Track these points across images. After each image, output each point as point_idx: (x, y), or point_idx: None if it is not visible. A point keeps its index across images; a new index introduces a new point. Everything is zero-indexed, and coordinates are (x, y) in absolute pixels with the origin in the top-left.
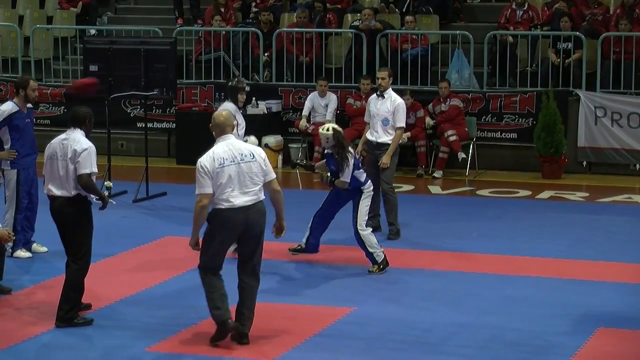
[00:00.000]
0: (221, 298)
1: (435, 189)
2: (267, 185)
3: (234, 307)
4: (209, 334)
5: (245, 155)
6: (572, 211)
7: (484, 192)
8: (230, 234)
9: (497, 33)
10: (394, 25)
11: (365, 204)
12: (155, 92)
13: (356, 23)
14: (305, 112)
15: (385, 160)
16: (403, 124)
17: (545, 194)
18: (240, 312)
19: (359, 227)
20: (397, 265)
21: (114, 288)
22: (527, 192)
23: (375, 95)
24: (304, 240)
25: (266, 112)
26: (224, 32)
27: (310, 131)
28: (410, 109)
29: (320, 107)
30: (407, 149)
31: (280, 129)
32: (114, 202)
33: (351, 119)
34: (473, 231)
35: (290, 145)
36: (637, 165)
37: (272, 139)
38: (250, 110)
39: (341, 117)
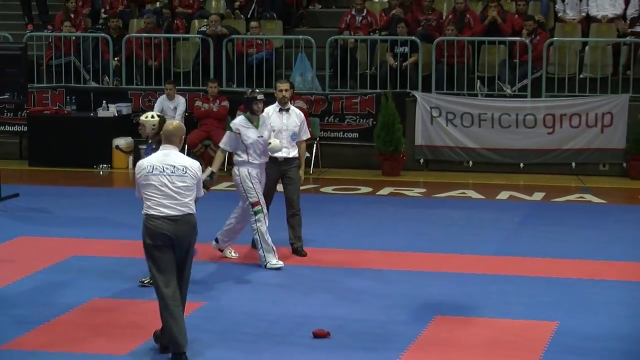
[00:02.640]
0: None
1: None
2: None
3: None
4: (64, 330)
5: (178, 169)
6: (410, 206)
7: (328, 189)
8: (159, 242)
9: (338, 38)
10: (239, 30)
11: None
12: (6, 96)
13: (203, 28)
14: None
15: (303, 174)
16: (309, 135)
17: (385, 191)
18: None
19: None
20: (248, 262)
21: None
22: (369, 189)
23: (273, 110)
24: None
25: (116, 114)
26: (74, 38)
27: None
28: None
29: (170, 109)
30: None
31: (130, 131)
32: None
33: (199, 120)
34: (318, 227)
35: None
36: (470, 162)
37: (122, 141)
38: (101, 113)
39: (190, 119)
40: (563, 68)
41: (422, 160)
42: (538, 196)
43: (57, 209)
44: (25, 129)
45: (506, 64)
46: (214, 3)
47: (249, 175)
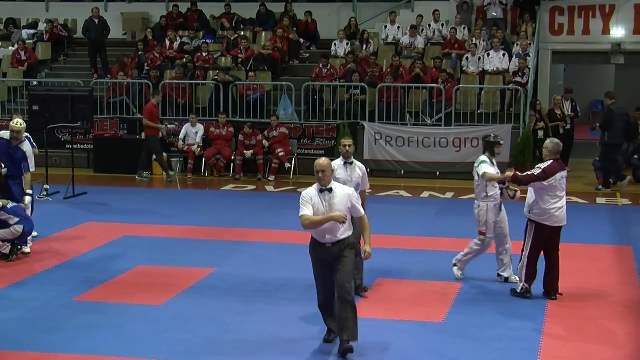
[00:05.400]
0: None
1: (269, 188)
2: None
3: None
4: (117, 287)
5: None
6: None
7: (302, 189)
8: None
9: (310, 84)
10: (241, 78)
11: None
12: (78, 124)
13: (216, 77)
14: (181, 136)
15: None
16: (368, 185)
17: None
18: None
19: None
20: (239, 239)
21: (50, 257)
22: None
23: (340, 163)
24: None
25: None
26: (125, 83)
27: (184, 149)
28: (251, 134)
29: (192, 133)
30: (250, 161)
31: (165, 148)
32: (51, 199)
33: (213, 141)
34: (294, 214)
35: (171, 158)
36: (402, 171)
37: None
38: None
39: (206, 140)
40: (466, 105)
41: (368, 170)
42: (449, 195)
43: (113, 202)
44: (91, 146)
45: (427, 102)
46: (223, 59)
47: (486, 210)
